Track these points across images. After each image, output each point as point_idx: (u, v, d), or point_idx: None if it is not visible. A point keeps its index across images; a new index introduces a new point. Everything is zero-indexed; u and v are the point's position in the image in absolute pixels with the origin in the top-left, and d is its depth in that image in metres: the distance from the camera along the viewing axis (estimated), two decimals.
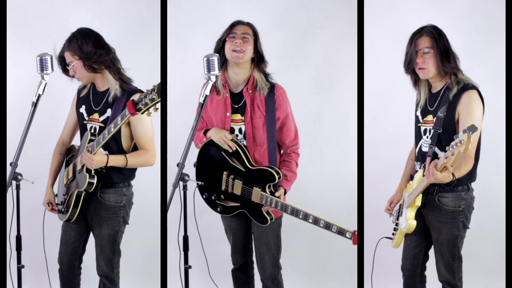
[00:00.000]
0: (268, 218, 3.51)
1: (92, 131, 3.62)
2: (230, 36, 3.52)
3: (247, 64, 3.55)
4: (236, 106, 3.57)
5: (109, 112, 3.59)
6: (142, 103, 3.19)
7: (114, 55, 3.61)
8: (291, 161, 3.58)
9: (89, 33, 3.58)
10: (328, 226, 3.33)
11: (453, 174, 3.12)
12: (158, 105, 3.19)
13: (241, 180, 3.52)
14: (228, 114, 3.56)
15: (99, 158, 3.48)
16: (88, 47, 3.53)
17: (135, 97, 3.28)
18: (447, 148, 3.03)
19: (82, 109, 3.69)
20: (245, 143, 3.56)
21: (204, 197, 3.64)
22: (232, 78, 3.58)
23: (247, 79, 3.57)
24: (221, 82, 3.56)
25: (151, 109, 3.19)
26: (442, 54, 3.31)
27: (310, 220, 3.36)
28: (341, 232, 3.31)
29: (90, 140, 3.54)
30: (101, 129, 3.58)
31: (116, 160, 3.54)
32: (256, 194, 3.48)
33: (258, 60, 3.56)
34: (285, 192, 3.53)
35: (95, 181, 3.55)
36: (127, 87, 3.57)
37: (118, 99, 3.55)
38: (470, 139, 2.92)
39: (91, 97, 3.67)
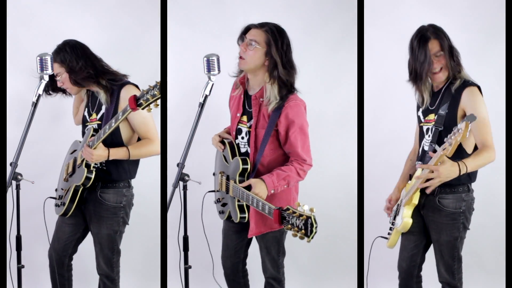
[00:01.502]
0: (238, 214, 3.33)
1: (94, 127, 3.62)
2: (241, 40, 3.35)
3: (258, 72, 3.35)
4: (249, 110, 3.42)
5: (103, 108, 3.59)
6: (144, 98, 3.21)
7: (101, 63, 3.64)
8: (289, 165, 3.32)
9: (75, 45, 3.62)
10: (263, 208, 3.11)
11: (460, 164, 3.10)
12: (159, 101, 3.20)
13: (226, 176, 3.46)
14: (238, 114, 3.45)
15: (100, 153, 3.48)
16: (73, 61, 3.56)
17: (137, 92, 3.32)
18: (445, 139, 3.02)
19: (85, 112, 3.72)
20: (249, 150, 3.42)
21: (215, 202, 3.60)
22: (250, 80, 3.42)
23: (261, 86, 3.38)
24: (239, 80, 3.44)
25: (151, 105, 3.20)
26: (449, 53, 3.31)
27: (255, 204, 3.17)
28: (269, 212, 3.06)
29: (92, 135, 3.54)
30: (101, 126, 3.58)
31: (118, 153, 3.53)
32: (231, 187, 3.35)
33: (272, 68, 3.30)
34: (265, 186, 3.23)
35: (92, 176, 3.54)
36: (119, 83, 3.58)
37: (111, 94, 3.57)
38: (468, 127, 2.91)
39: (89, 102, 3.70)
